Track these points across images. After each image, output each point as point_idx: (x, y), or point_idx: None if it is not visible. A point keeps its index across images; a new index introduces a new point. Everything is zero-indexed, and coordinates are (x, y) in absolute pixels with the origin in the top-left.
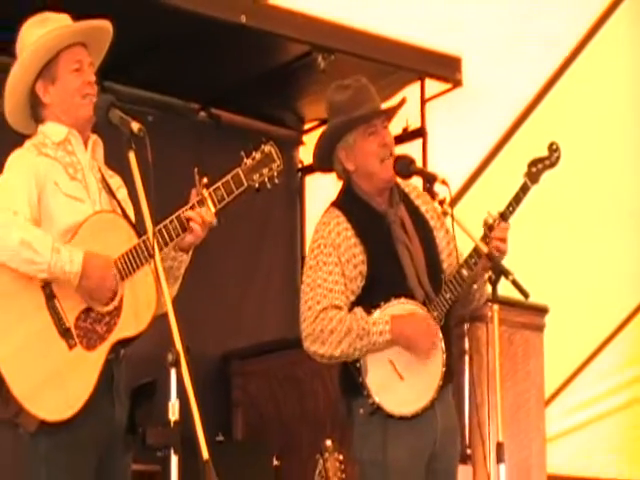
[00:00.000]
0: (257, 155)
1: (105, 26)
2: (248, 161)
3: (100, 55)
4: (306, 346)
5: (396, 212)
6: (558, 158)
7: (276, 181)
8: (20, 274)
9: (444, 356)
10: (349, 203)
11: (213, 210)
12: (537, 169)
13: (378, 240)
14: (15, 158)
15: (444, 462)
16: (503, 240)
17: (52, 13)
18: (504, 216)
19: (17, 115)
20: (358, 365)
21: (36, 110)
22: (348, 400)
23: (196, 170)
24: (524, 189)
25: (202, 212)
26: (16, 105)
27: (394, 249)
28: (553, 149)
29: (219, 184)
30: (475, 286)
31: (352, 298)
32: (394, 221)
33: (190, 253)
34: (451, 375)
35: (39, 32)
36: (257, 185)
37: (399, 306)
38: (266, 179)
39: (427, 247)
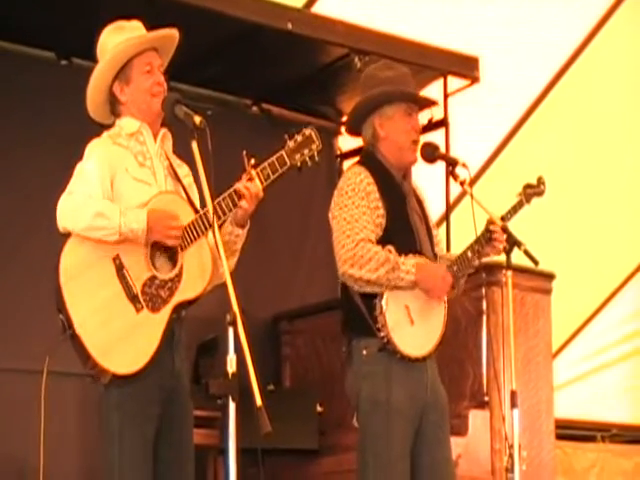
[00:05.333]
0: (299, 137)
1: (173, 34)
2: (290, 143)
3: (168, 57)
4: (343, 270)
5: (408, 187)
6: (543, 191)
7: (316, 159)
8: (94, 248)
9: (444, 320)
10: (373, 166)
11: (261, 187)
12: (529, 193)
13: (395, 204)
14: (92, 146)
15: (435, 414)
16: (501, 235)
17: (127, 22)
18: (503, 219)
19: (97, 109)
20: (380, 301)
21: (114, 106)
22: (349, 340)
23: (244, 153)
24: (520, 205)
25: (250, 186)
26: (97, 101)
27: (407, 215)
28: (541, 182)
29: (265, 164)
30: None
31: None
32: (409, 192)
33: (246, 229)
34: (440, 344)
35: (116, 39)
36: (299, 164)
37: (416, 259)
38: (307, 158)
39: (426, 226)
